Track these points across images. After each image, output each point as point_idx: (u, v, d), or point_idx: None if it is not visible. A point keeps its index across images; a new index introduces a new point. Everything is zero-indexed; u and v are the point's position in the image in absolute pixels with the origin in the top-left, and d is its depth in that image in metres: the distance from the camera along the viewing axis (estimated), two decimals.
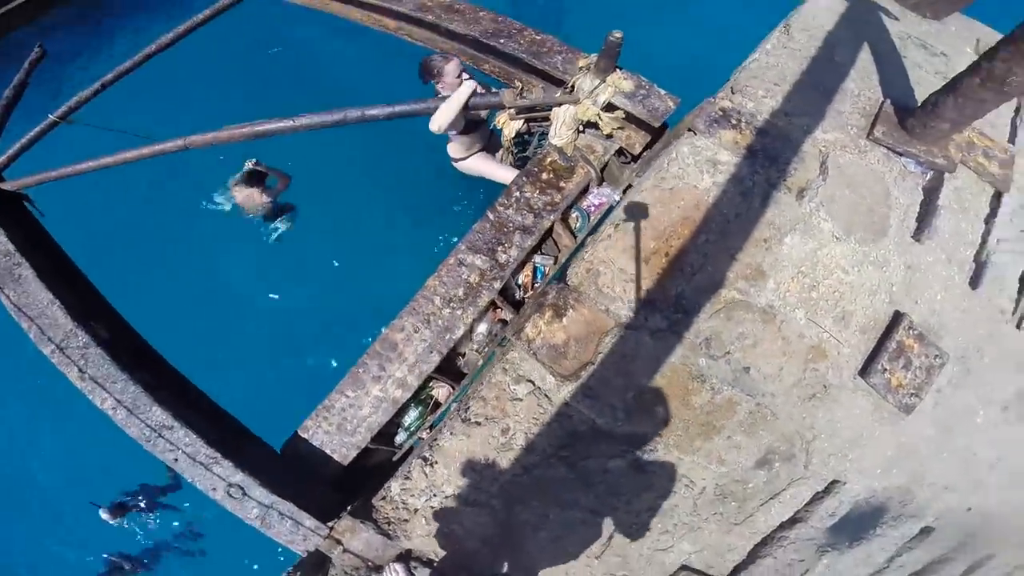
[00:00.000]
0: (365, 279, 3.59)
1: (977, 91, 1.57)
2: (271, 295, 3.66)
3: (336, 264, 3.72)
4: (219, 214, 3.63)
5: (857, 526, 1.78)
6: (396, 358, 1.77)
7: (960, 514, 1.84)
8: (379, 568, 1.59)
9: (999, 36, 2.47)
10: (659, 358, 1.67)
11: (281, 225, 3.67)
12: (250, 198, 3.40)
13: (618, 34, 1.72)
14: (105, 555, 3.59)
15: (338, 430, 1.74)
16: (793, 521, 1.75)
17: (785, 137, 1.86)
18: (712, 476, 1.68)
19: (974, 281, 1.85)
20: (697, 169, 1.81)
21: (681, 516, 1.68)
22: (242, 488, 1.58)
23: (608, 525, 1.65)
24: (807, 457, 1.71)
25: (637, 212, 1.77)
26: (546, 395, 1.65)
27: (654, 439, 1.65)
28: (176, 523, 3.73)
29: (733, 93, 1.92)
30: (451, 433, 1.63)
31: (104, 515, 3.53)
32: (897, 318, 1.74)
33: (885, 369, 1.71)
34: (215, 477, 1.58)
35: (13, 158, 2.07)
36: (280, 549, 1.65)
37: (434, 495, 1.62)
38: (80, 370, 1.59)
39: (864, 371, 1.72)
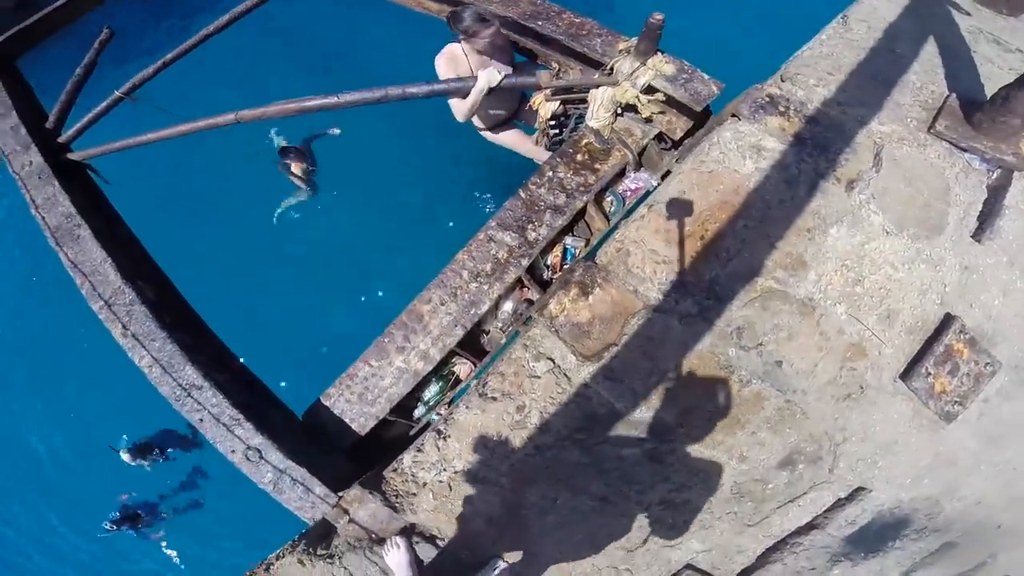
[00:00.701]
0: (390, 254, 3.72)
1: None
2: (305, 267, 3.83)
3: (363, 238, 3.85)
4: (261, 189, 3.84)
5: (877, 537, 1.72)
6: (421, 330, 1.80)
7: (988, 531, 1.76)
8: (381, 541, 1.63)
9: None
10: (687, 344, 1.64)
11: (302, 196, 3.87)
12: (288, 167, 3.72)
13: (659, 16, 1.66)
14: (122, 497, 3.86)
15: (359, 399, 1.79)
16: (810, 527, 1.70)
17: (837, 127, 1.78)
18: (731, 473, 1.65)
19: None
20: (739, 154, 1.76)
21: (693, 513, 1.66)
22: (260, 451, 1.63)
23: (617, 515, 1.64)
24: (834, 461, 1.66)
25: (674, 193, 1.74)
26: (565, 374, 1.65)
27: (674, 429, 1.63)
28: (194, 476, 3.98)
29: (783, 81, 1.85)
30: (467, 407, 1.65)
31: (125, 456, 3.76)
32: (948, 320, 1.66)
33: (929, 373, 1.63)
34: (236, 439, 1.63)
35: (81, 131, 2.19)
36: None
37: (444, 469, 1.65)
38: (124, 326, 1.68)
39: (906, 374, 1.65)
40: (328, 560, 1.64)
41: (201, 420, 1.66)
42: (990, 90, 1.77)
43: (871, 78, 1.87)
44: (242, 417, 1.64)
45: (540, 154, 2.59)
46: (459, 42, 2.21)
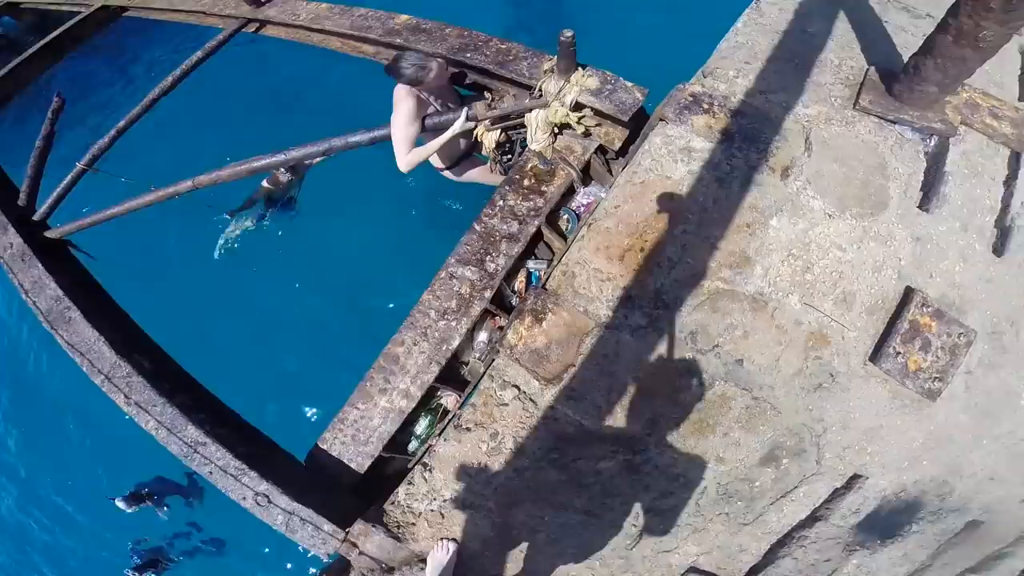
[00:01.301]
0: (368, 291, 3.96)
1: (953, 49, 1.50)
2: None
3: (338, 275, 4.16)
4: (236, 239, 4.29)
5: (889, 523, 1.66)
6: (399, 371, 1.95)
7: (1013, 505, 1.66)
8: (391, 569, 1.75)
9: None
10: (642, 356, 1.70)
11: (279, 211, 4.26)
12: (275, 178, 4.07)
13: (569, 32, 1.81)
14: (135, 547, 4.24)
15: (353, 440, 1.93)
16: (812, 519, 1.67)
17: (763, 116, 1.85)
18: (712, 475, 1.67)
19: (999, 248, 1.70)
20: (670, 159, 1.85)
21: (683, 517, 1.67)
22: (267, 496, 1.80)
23: (606, 527, 1.68)
24: (819, 452, 1.65)
25: (610, 209, 1.85)
26: (531, 399, 1.74)
27: (644, 439, 1.67)
28: (198, 519, 4.29)
29: (704, 77, 1.95)
30: (445, 439, 1.76)
31: (120, 504, 4.19)
32: (908, 295, 1.65)
33: (899, 352, 1.62)
34: (244, 487, 1.81)
35: (53, 207, 2.54)
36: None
37: (434, 499, 1.75)
38: (126, 396, 1.92)
39: (875, 356, 1.64)
40: None
41: (210, 473, 1.85)
42: (907, 58, 1.81)
43: (788, 61, 1.94)
44: (246, 467, 1.81)
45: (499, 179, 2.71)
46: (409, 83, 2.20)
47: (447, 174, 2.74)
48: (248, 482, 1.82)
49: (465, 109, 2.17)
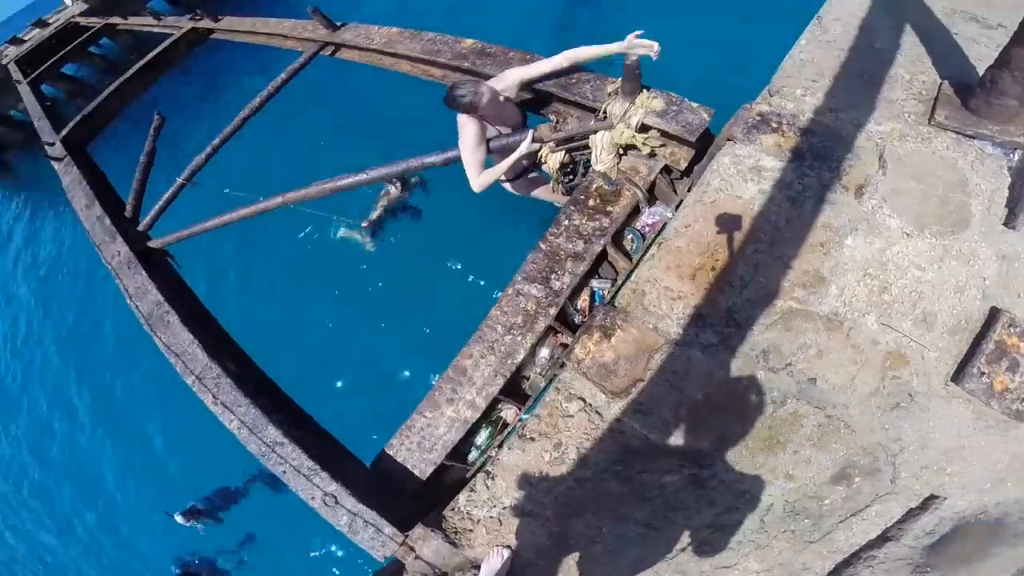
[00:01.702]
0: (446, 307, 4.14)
1: None
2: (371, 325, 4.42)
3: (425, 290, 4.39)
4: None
5: (963, 545, 1.65)
6: (466, 382, 2.07)
7: None
8: (443, 575, 1.86)
9: None
10: (712, 373, 1.75)
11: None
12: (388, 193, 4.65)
13: (634, 58, 1.89)
14: (184, 558, 4.62)
15: (418, 447, 2.07)
16: (883, 540, 1.68)
17: (834, 134, 1.86)
18: (780, 492, 1.70)
19: None
20: (740, 178, 1.89)
21: (747, 533, 1.72)
22: (335, 497, 1.96)
23: (666, 540, 1.74)
24: (894, 471, 1.66)
25: (680, 228, 1.90)
26: (597, 411, 1.82)
27: (712, 454, 1.73)
28: (243, 533, 4.66)
29: (771, 96, 1.98)
30: (509, 448, 1.87)
31: (179, 518, 4.61)
32: (994, 315, 1.63)
33: (983, 372, 1.60)
34: (315, 487, 1.98)
35: (155, 219, 2.84)
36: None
37: (494, 506, 1.86)
38: (214, 396, 2.12)
39: (958, 376, 1.63)
40: None
41: (284, 472, 2.02)
42: (982, 71, 1.77)
43: (857, 78, 1.94)
44: (318, 467, 1.98)
45: (563, 200, 2.83)
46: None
47: (508, 186, 2.86)
48: (319, 482, 1.99)
49: (531, 131, 2.26)
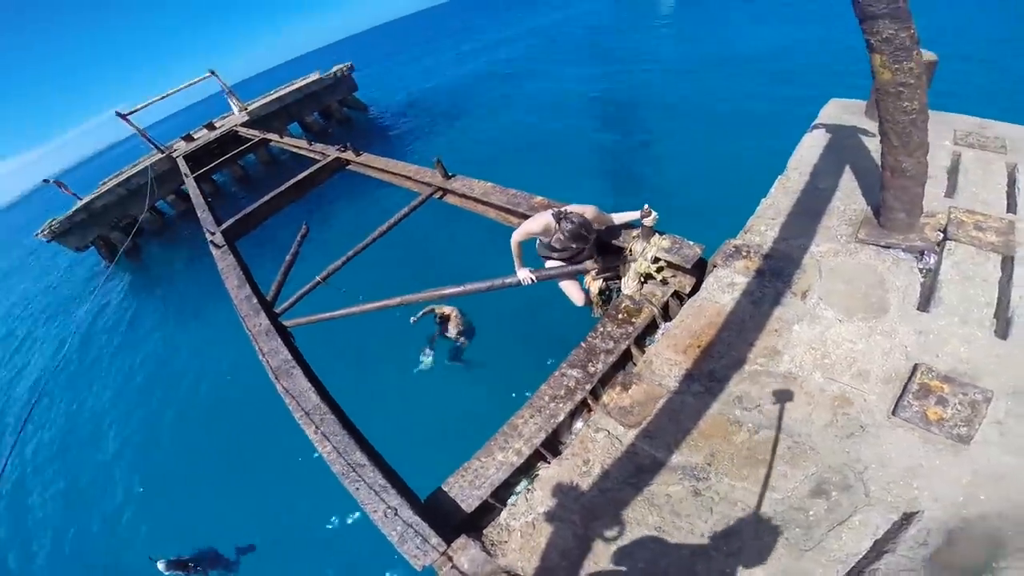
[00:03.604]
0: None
1: (893, 182, 2.73)
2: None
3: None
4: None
5: (969, 558, 1.91)
6: (516, 435, 2.95)
7: None
8: None
9: (979, 121, 3.69)
10: (700, 410, 2.56)
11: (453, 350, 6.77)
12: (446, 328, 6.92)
13: (650, 221, 3.41)
14: None
15: (469, 485, 2.80)
16: (879, 553, 2.01)
17: (786, 256, 3.07)
18: (767, 502, 2.21)
19: (1002, 333, 2.41)
20: (719, 290, 3.08)
21: (745, 539, 2.15)
22: (396, 510, 2.62)
23: (674, 544, 2.21)
24: (865, 486, 2.15)
25: (678, 322, 3.02)
26: (617, 438, 2.61)
27: (705, 468, 2.36)
28: None
29: (745, 233, 3.32)
30: (547, 463, 2.63)
31: (160, 565, 4.79)
32: (916, 367, 2.38)
33: (914, 405, 2.27)
34: (381, 502, 2.69)
35: (291, 305, 4.47)
36: None
37: (530, 514, 2.49)
38: (316, 427, 3.14)
39: (895, 409, 2.29)
40: None
41: (358, 488, 2.79)
42: None
43: (804, 213, 3.25)
44: (388, 485, 2.77)
45: (575, 294, 4.14)
46: (555, 220, 3.52)
47: (548, 263, 4.11)
48: (386, 498, 2.72)
49: (527, 271, 3.78)
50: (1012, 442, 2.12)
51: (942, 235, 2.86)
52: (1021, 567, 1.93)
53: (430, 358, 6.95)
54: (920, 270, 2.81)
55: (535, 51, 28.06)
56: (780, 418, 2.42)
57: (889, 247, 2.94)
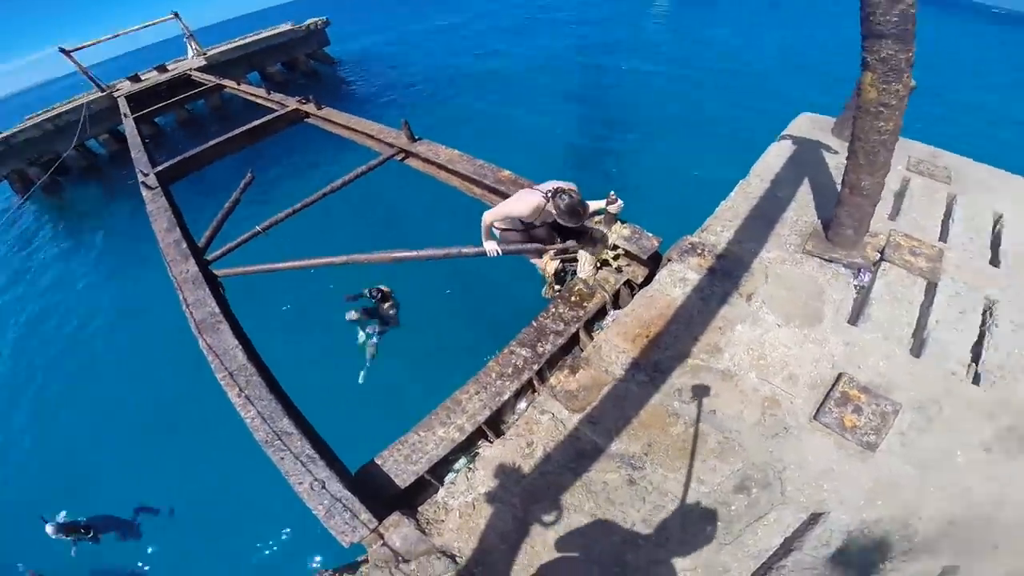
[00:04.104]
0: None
1: (850, 199, 2.93)
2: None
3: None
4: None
5: (863, 559, 2.21)
6: (459, 410, 3.00)
7: (986, 551, 2.17)
8: (406, 561, 2.40)
9: (931, 150, 4.00)
10: (643, 400, 2.72)
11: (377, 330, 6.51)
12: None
13: (614, 208, 3.47)
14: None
15: (405, 460, 2.81)
16: (787, 550, 2.29)
17: (737, 259, 3.25)
18: (695, 495, 2.43)
19: (916, 352, 2.72)
20: (672, 284, 3.21)
21: (672, 531, 2.36)
22: (323, 483, 2.54)
23: (608, 530, 2.39)
24: (782, 485, 2.41)
25: (629, 310, 3.14)
26: (561, 422, 2.72)
27: (642, 457, 2.54)
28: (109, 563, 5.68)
29: (702, 231, 3.47)
30: (490, 444, 2.71)
31: (49, 528, 4.86)
32: (839, 377, 2.65)
33: (833, 411, 2.53)
34: (308, 473, 2.61)
35: (225, 253, 4.29)
36: None
37: (470, 493, 2.58)
38: (240, 389, 3.01)
39: (816, 414, 2.55)
40: None
41: (282, 458, 2.70)
42: None
43: (760, 218, 3.45)
44: (316, 456, 2.71)
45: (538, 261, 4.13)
46: (545, 200, 3.45)
47: (504, 235, 4.05)
48: (313, 469, 2.64)
49: (494, 243, 3.77)
50: (911, 453, 2.43)
51: (880, 255, 3.12)
52: (901, 569, 2.27)
53: (369, 336, 6.67)
54: (855, 287, 3.07)
55: (523, 29, 27.03)
56: (699, 412, 2.63)
57: (832, 261, 3.17)
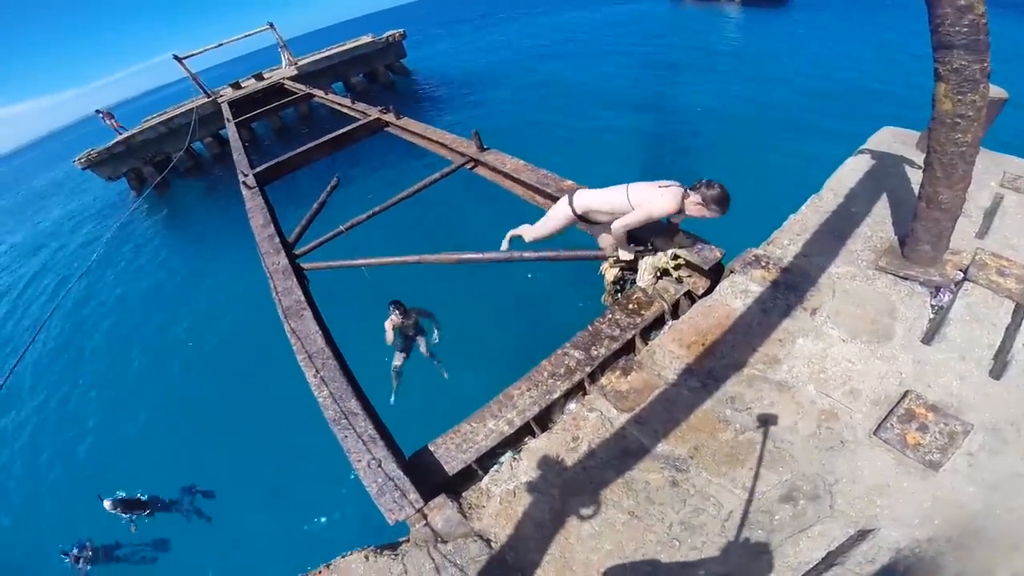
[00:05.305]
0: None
1: (927, 213, 2.99)
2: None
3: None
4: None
5: None
6: (510, 405, 3.32)
7: None
8: (445, 542, 2.62)
9: None
10: (694, 405, 2.91)
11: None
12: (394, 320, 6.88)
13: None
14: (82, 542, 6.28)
15: (456, 448, 3.15)
16: (829, 564, 2.39)
17: (803, 272, 3.37)
18: (738, 501, 2.58)
19: (996, 374, 2.72)
20: (732, 295, 3.38)
21: (710, 535, 2.53)
22: (380, 462, 2.95)
23: (643, 530, 2.59)
24: (831, 499, 2.51)
25: (687, 318, 3.34)
26: (609, 420, 2.97)
27: (687, 460, 2.73)
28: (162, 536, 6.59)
29: (767, 244, 3.61)
30: (536, 436, 3.01)
31: (107, 504, 5.55)
32: (906, 392, 2.71)
33: (896, 428, 2.60)
34: (367, 452, 3.01)
35: (311, 249, 5.02)
36: None
37: (513, 482, 2.88)
38: (316, 370, 3.52)
39: (878, 430, 2.62)
40: (392, 556, 2.65)
41: (346, 436, 3.13)
42: None
43: (831, 233, 3.54)
44: (378, 436, 3.14)
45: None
46: (684, 197, 3.44)
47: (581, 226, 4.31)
48: (373, 449, 3.04)
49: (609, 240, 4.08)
50: (979, 474, 2.46)
51: (962, 274, 3.13)
52: None
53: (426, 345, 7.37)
54: (932, 306, 3.09)
55: (592, 41, 29.16)
56: (765, 437, 2.77)
57: (907, 278, 3.21)
